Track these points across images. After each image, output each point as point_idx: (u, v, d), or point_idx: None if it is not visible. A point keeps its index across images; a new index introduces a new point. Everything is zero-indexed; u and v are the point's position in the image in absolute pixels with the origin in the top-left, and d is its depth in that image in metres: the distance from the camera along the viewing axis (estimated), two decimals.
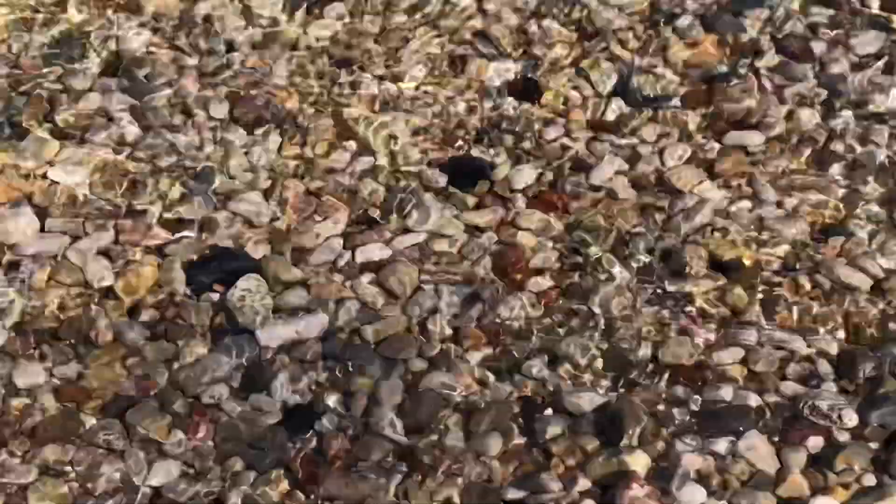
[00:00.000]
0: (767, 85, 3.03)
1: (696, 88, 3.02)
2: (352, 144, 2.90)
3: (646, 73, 3.04)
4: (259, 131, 2.93)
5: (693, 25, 3.16)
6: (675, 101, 2.99)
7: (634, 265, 2.65)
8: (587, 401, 2.41)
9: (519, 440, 2.36)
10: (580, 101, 3.00)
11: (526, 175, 2.82)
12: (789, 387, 2.45)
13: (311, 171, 2.85)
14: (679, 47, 3.11)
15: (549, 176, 2.82)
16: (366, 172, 2.84)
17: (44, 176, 2.81)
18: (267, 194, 2.80)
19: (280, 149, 2.90)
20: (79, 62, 3.06)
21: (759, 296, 2.60)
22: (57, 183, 2.79)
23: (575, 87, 3.03)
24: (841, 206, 2.78)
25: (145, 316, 2.56)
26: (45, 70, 3.04)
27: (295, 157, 2.88)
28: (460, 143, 2.90)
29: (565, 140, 2.90)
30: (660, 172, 2.84)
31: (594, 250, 2.67)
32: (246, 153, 2.88)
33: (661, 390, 2.44)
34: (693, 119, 2.94)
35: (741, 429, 2.36)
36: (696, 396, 2.42)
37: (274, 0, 3.19)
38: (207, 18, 3.17)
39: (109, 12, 3.17)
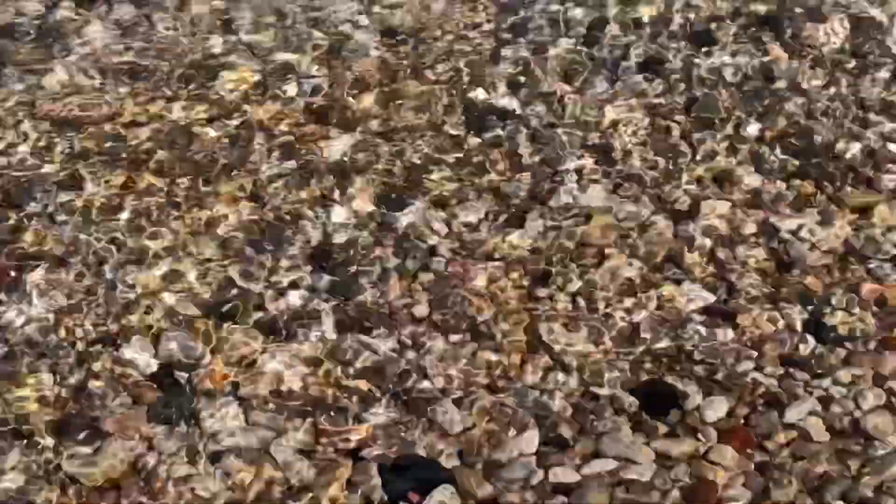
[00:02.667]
0: None
1: (891, 333, 3.01)
2: (544, 358, 2.96)
3: (840, 311, 3.05)
4: (455, 338, 3.01)
5: (884, 268, 3.17)
6: (870, 344, 2.98)
7: None
8: None
9: None
10: (773, 333, 3.02)
11: (718, 407, 2.84)
12: None
13: (504, 382, 2.91)
14: (873, 288, 3.11)
15: (742, 410, 2.83)
16: (557, 389, 2.90)
17: (253, 363, 2.94)
18: (459, 403, 2.87)
19: (474, 357, 2.97)
20: (286, 251, 3.20)
21: None
22: (264, 372, 2.91)
23: (769, 319, 3.05)
24: None
25: None
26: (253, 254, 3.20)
27: (487, 367, 2.95)
28: (653, 367, 2.94)
29: (757, 374, 2.92)
30: (854, 416, 2.82)
31: (788, 492, 2.66)
32: (441, 358, 2.97)
33: None
34: (889, 364, 2.93)
35: None
36: None
37: (475, 208, 3.32)
38: (410, 226, 3.30)
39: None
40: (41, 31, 3.92)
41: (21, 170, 3.41)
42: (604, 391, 2.88)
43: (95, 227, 3.24)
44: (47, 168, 3.42)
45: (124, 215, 3.28)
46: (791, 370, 2.92)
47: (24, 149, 3.48)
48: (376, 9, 4.03)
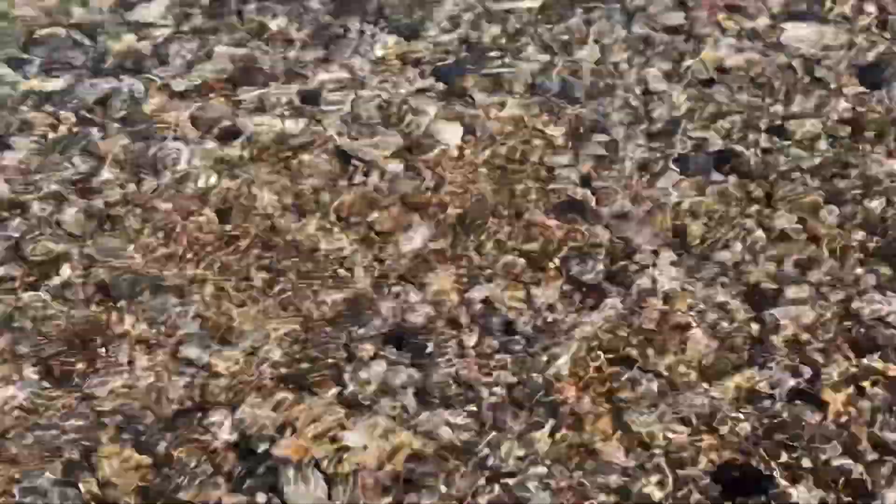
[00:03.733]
0: None
1: None
2: (625, 439, 2.93)
3: None
4: (533, 417, 2.99)
5: None
6: None
7: None
8: None
9: None
10: (860, 418, 2.96)
11: (803, 497, 2.78)
12: None
13: (584, 461, 2.88)
14: None
15: (829, 502, 2.78)
16: (637, 470, 2.86)
17: (333, 439, 2.93)
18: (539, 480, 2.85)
19: (553, 435, 2.94)
20: (363, 328, 3.20)
21: None
22: (346, 448, 2.91)
23: (854, 404, 2.99)
24: None
25: None
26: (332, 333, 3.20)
27: (568, 446, 2.92)
28: (737, 448, 2.89)
29: (845, 461, 2.86)
30: None
31: None
32: (519, 437, 2.94)
33: None
34: None
35: None
36: None
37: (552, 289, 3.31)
38: (485, 301, 3.28)
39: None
40: None
41: None
42: (686, 472, 2.84)
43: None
44: None
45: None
46: (882, 456, 2.85)
47: None
48: None
